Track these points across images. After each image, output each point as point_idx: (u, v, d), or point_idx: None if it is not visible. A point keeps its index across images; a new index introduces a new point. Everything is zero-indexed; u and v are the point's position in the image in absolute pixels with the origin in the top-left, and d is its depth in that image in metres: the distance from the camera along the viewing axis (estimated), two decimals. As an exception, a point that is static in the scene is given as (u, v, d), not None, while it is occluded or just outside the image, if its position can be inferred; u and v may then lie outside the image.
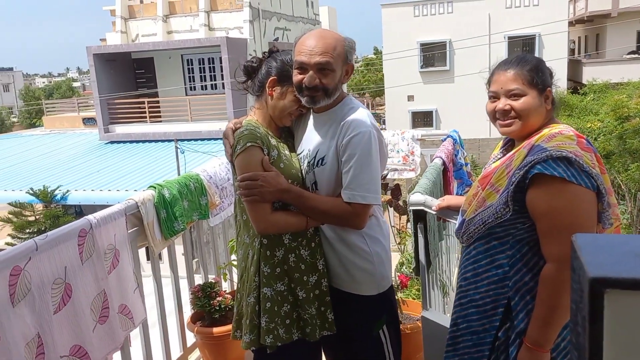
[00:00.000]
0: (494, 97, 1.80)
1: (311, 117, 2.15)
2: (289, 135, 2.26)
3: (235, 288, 2.46)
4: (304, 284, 2.07)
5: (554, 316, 1.58)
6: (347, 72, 2.05)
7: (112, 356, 2.39)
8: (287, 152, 2.13)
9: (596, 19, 25.12)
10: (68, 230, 2.10)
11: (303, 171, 2.11)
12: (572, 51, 28.55)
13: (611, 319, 0.82)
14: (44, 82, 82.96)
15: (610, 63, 22.82)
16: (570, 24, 25.43)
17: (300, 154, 2.15)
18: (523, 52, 22.87)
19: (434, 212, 2.39)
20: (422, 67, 24.28)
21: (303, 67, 1.99)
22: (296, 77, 2.01)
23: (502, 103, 1.76)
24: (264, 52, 2.18)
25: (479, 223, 1.73)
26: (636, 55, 23.13)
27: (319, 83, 1.97)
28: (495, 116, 1.81)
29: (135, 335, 2.60)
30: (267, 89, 2.07)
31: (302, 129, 2.19)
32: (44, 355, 1.95)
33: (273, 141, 2.07)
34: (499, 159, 1.88)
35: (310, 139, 2.11)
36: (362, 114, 2.02)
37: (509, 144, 1.92)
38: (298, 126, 2.23)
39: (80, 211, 15.63)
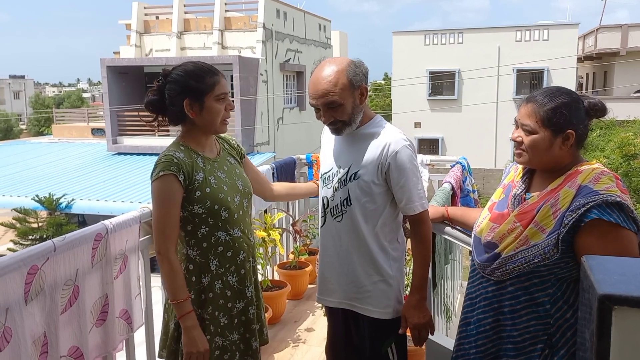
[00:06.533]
0: (516, 125, 1.82)
1: (335, 136, 2.19)
2: (230, 151, 2.24)
3: None
4: (227, 311, 2.06)
5: None
6: (362, 94, 2.07)
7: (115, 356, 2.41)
8: (221, 173, 2.09)
9: (605, 56, 25.35)
10: (85, 233, 2.14)
11: (332, 188, 2.14)
12: (580, 86, 28.73)
13: (619, 335, 0.86)
14: (54, 92, 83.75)
15: (617, 100, 22.96)
16: (579, 60, 25.69)
17: (327, 172, 2.19)
18: (532, 85, 23.05)
19: (443, 236, 2.42)
20: (430, 95, 24.50)
21: (317, 108, 2.07)
22: (316, 114, 2.10)
23: (515, 133, 1.80)
24: (157, 80, 2.06)
25: (521, 262, 1.71)
26: (643, 94, 23.29)
27: (333, 119, 2.05)
28: None
29: (140, 343, 2.62)
30: (187, 112, 2.01)
31: (327, 149, 2.24)
32: (47, 355, 1.98)
33: (201, 163, 2.03)
34: (524, 187, 1.85)
35: (339, 157, 2.15)
36: (395, 131, 2.10)
37: (530, 171, 1.89)
38: (323, 148, 2.29)
39: (83, 220, 15.66)
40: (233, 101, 1.98)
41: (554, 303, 1.68)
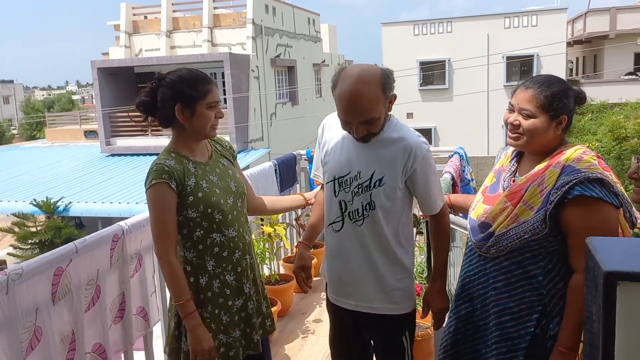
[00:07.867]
0: (511, 109, 1.92)
1: (350, 138, 2.13)
2: (223, 152, 2.25)
3: None
4: (228, 309, 2.10)
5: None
6: (391, 101, 2.07)
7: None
8: (213, 176, 2.11)
9: (594, 40, 25.49)
10: (103, 235, 2.23)
11: (350, 192, 2.10)
12: (570, 71, 28.88)
13: (623, 308, 0.95)
14: (43, 95, 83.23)
15: (608, 83, 23.11)
16: (569, 44, 25.79)
17: (344, 176, 2.12)
18: (522, 72, 23.15)
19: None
20: (421, 85, 24.55)
21: (348, 122, 2.03)
22: (344, 126, 2.06)
23: (513, 117, 1.90)
24: (151, 82, 2.09)
25: (513, 238, 1.83)
26: (634, 76, 23.44)
27: (367, 133, 2.02)
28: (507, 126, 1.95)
29: (157, 336, 2.70)
30: (178, 117, 2.04)
31: (339, 148, 2.18)
32: (74, 352, 2.07)
33: (192, 168, 2.06)
34: (513, 171, 1.99)
35: (359, 161, 2.10)
36: (414, 134, 2.12)
37: (518, 155, 2.02)
38: (330, 145, 2.22)
39: (80, 223, 15.68)
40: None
41: (545, 275, 1.83)
